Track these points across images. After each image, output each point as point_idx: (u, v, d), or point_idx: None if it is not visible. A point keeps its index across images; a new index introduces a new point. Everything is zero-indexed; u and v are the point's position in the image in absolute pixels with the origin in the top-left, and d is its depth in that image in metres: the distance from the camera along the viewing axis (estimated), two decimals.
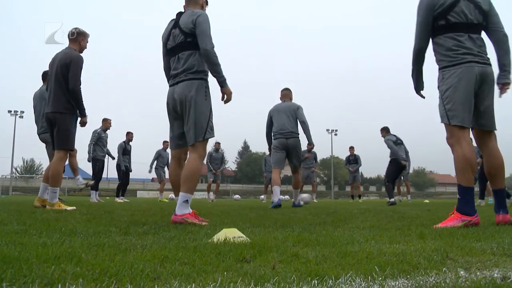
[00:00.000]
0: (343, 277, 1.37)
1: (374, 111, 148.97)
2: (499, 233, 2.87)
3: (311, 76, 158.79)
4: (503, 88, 3.78)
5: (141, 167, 28.03)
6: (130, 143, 14.23)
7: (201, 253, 1.92)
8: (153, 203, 11.75)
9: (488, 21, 3.75)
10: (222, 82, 3.93)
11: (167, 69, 4.21)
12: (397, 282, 1.33)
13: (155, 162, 15.87)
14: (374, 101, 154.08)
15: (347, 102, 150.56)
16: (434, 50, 3.86)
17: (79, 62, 5.84)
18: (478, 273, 1.50)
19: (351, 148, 17.94)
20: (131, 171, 14.35)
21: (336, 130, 56.66)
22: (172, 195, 19.75)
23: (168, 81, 4.19)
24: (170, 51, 4.07)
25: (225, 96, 3.96)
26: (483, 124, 3.76)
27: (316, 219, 4.36)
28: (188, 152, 4.14)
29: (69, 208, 5.72)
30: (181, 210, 3.76)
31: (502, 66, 3.75)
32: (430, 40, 3.88)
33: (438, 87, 3.80)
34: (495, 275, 1.47)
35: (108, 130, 12.86)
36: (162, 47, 4.21)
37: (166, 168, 15.82)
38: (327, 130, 56.52)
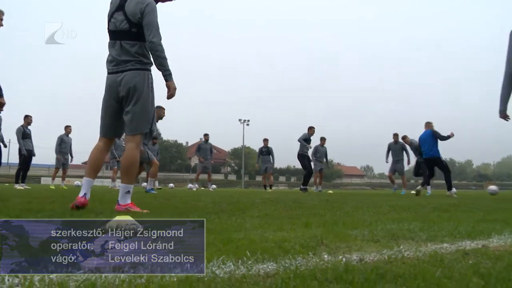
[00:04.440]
0: (214, 260, 1.49)
1: (286, 103, 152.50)
2: (377, 221, 3.14)
3: (224, 65, 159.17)
4: None
5: (46, 152, 26.69)
6: (29, 126, 13.48)
7: None
8: (55, 190, 11.32)
9: None
10: (167, 76, 3.93)
11: None
12: (264, 265, 1.47)
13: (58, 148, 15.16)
14: (287, 93, 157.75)
15: (260, 93, 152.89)
16: None
17: None
18: (340, 257, 1.68)
19: (265, 140, 18.31)
20: (34, 155, 13.67)
21: (249, 120, 57.60)
22: (78, 182, 19.11)
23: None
24: (110, 34, 3.97)
25: (170, 90, 3.97)
26: None
27: (216, 208, 4.48)
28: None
29: None
30: (124, 200, 3.84)
31: None
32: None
33: None
34: (354, 257, 1.66)
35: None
36: None
37: (69, 154, 15.23)
38: (240, 120, 57.33)
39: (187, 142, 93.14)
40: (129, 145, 3.96)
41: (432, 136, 11.50)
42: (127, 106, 3.88)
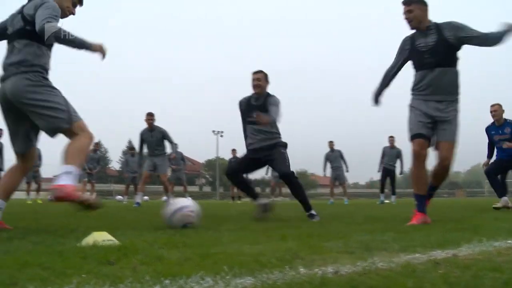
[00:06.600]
0: (193, 276, 1.51)
1: None
2: (351, 232, 3.19)
3: (198, 76, 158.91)
4: None
5: None
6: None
7: (65, 257, 1.95)
8: (24, 205, 11.11)
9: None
10: (87, 47, 3.43)
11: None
12: (242, 280, 1.49)
13: None
14: None
15: (234, 105, 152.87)
16: None
17: None
18: (316, 269, 1.71)
19: (233, 151, 18.26)
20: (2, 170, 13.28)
21: (222, 132, 57.73)
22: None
23: None
24: (8, 38, 3.52)
25: (98, 51, 3.47)
26: None
27: None
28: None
29: None
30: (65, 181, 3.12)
31: None
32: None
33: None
34: (329, 270, 1.70)
35: None
36: None
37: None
38: (213, 131, 57.40)
39: None
40: (81, 134, 3.40)
41: None
42: (30, 114, 3.38)
